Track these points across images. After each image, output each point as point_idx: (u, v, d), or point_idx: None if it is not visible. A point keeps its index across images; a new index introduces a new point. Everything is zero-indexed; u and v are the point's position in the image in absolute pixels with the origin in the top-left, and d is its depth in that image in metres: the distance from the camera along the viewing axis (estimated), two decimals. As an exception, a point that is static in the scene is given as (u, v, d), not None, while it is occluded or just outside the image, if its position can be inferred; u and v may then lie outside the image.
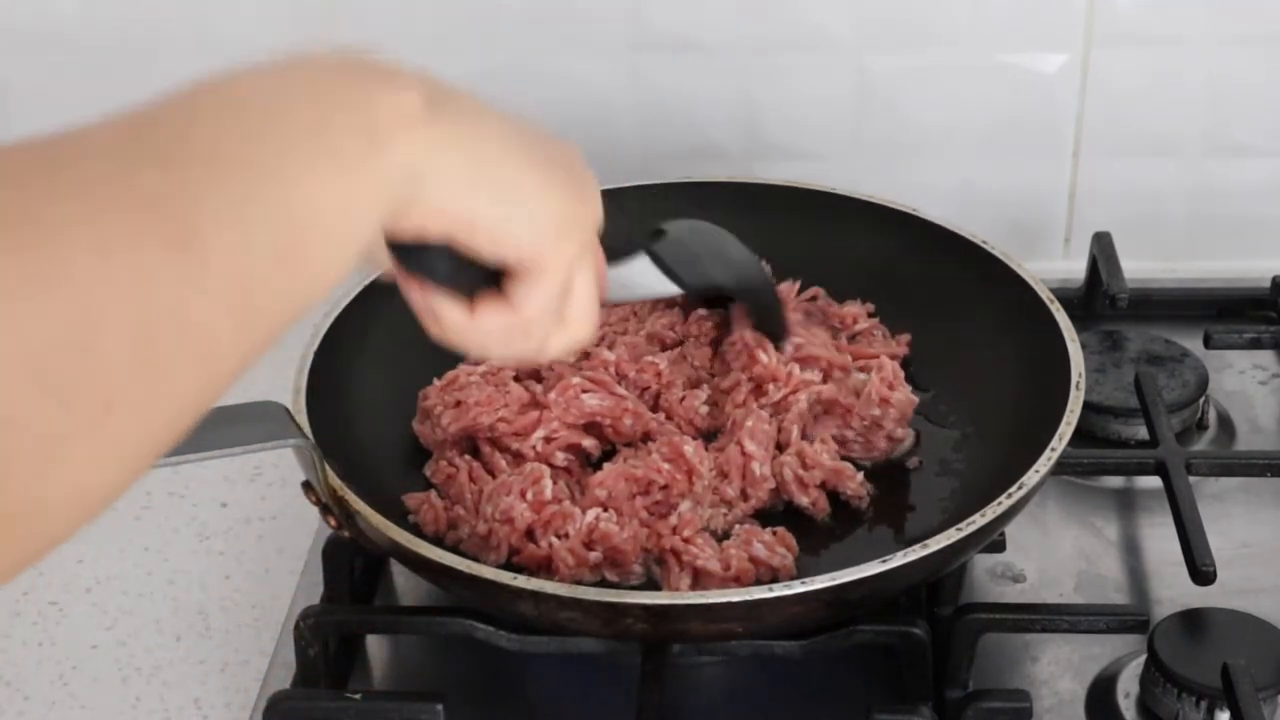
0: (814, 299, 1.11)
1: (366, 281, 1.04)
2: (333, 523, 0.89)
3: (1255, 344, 1.18)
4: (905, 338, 1.08)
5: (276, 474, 1.14)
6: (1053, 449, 0.89)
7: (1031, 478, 0.87)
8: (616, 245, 0.89)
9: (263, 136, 0.55)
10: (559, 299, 0.70)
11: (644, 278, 0.96)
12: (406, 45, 1.26)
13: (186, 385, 0.51)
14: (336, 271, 0.57)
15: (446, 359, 1.07)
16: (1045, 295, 1.02)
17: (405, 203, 0.61)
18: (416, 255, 0.67)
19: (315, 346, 0.99)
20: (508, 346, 0.72)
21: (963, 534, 0.84)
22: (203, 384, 0.52)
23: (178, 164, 0.52)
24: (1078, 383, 0.94)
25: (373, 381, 1.04)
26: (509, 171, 0.65)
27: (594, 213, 0.71)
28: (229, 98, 0.56)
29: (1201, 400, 1.12)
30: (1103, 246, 1.23)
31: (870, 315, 1.11)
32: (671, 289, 0.97)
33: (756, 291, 1.04)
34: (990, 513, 0.85)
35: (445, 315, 0.71)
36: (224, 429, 0.83)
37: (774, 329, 1.03)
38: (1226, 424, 1.14)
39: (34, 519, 0.53)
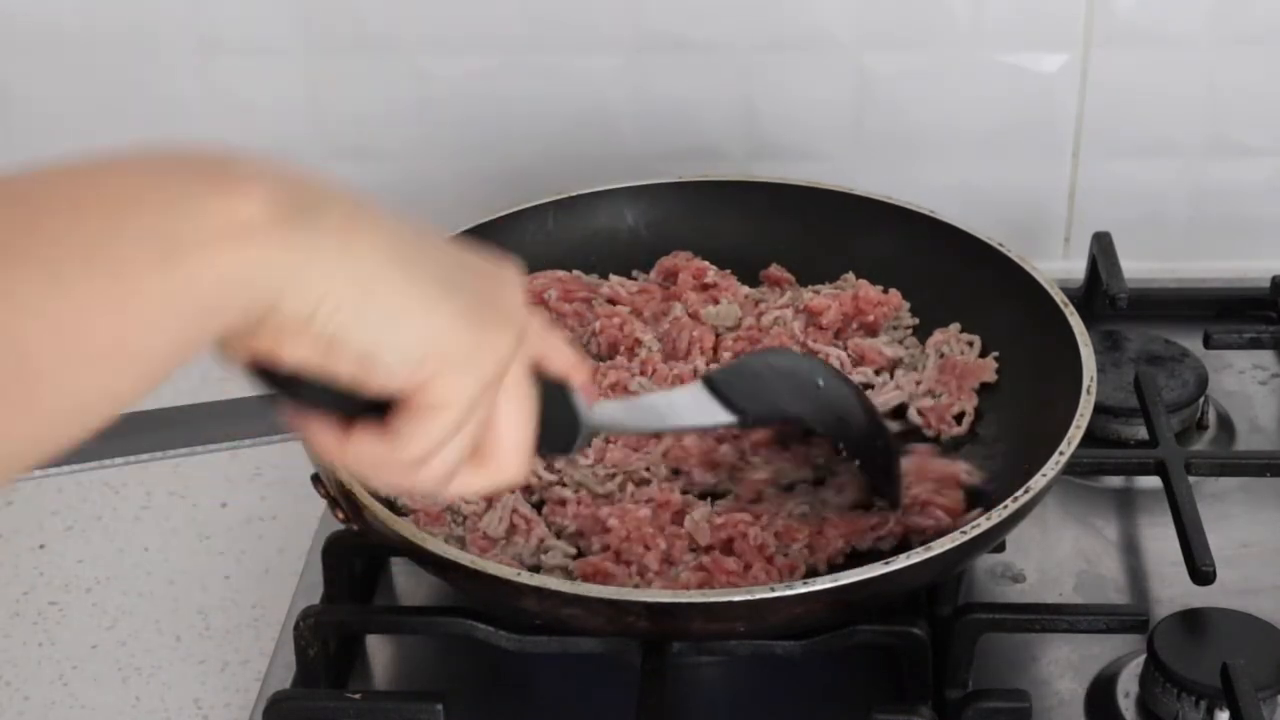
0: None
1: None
2: (340, 516, 0.89)
3: (1255, 344, 1.18)
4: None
5: (276, 474, 1.14)
6: (1061, 453, 0.89)
7: (1038, 482, 0.87)
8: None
9: (33, 241, 0.49)
10: (457, 439, 0.61)
11: (691, 408, 0.83)
12: (407, 45, 1.28)
13: None
14: (115, 394, 0.52)
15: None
16: (1060, 299, 1.01)
17: (248, 318, 0.54)
18: (279, 376, 0.59)
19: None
20: (393, 479, 0.63)
21: (968, 537, 0.84)
22: None
23: None
24: (1089, 387, 0.94)
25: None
26: (384, 290, 0.57)
27: (506, 346, 0.61)
28: (22, 191, 0.51)
29: (1201, 400, 1.12)
30: (1103, 246, 1.23)
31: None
32: (724, 418, 0.84)
33: (848, 428, 0.90)
34: (996, 516, 0.85)
35: (314, 437, 0.62)
36: (234, 421, 0.83)
37: (881, 483, 0.92)
38: (1226, 424, 1.14)
39: None
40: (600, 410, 0.73)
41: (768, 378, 0.88)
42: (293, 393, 0.60)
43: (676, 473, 0.97)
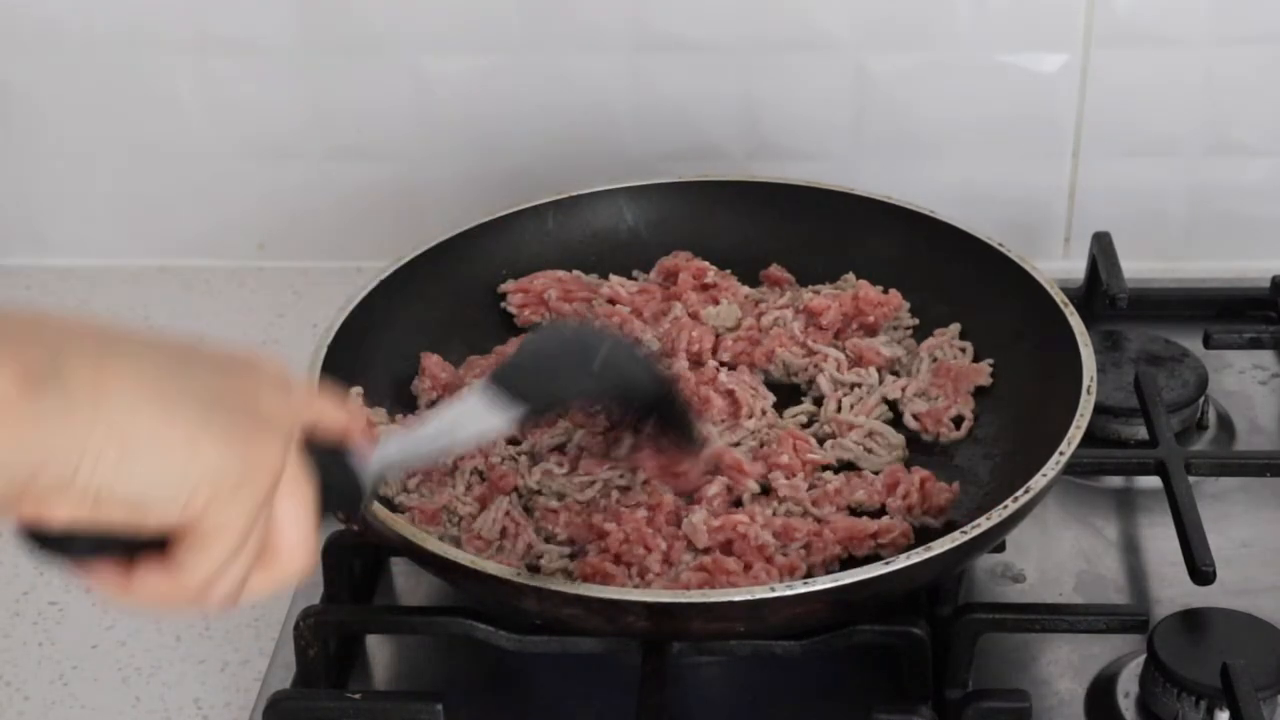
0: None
1: (379, 279, 1.05)
2: (340, 516, 0.89)
3: (1255, 344, 1.18)
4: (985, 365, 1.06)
5: (276, 474, 1.14)
6: (1061, 453, 0.89)
7: (1038, 482, 0.87)
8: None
9: None
10: (239, 556, 0.61)
11: (475, 416, 0.78)
12: (407, 44, 1.28)
13: None
14: None
15: (456, 358, 1.07)
16: (1060, 299, 1.01)
17: (7, 490, 0.55)
18: (48, 534, 0.59)
19: (329, 341, 0.99)
20: (185, 607, 0.63)
21: (968, 537, 0.84)
22: None
23: None
24: (1089, 387, 0.94)
25: (385, 378, 1.05)
26: (143, 437, 0.57)
27: (275, 451, 0.61)
28: None
29: (1201, 400, 1.12)
30: (1102, 246, 1.23)
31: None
32: (504, 421, 0.78)
33: (643, 400, 0.87)
34: (996, 516, 0.85)
35: (101, 586, 0.62)
36: None
37: (682, 435, 0.90)
38: (1226, 424, 1.14)
39: None
40: (381, 456, 0.72)
41: (547, 363, 0.84)
42: (65, 548, 0.60)
43: (649, 481, 0.97)
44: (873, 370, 1.06)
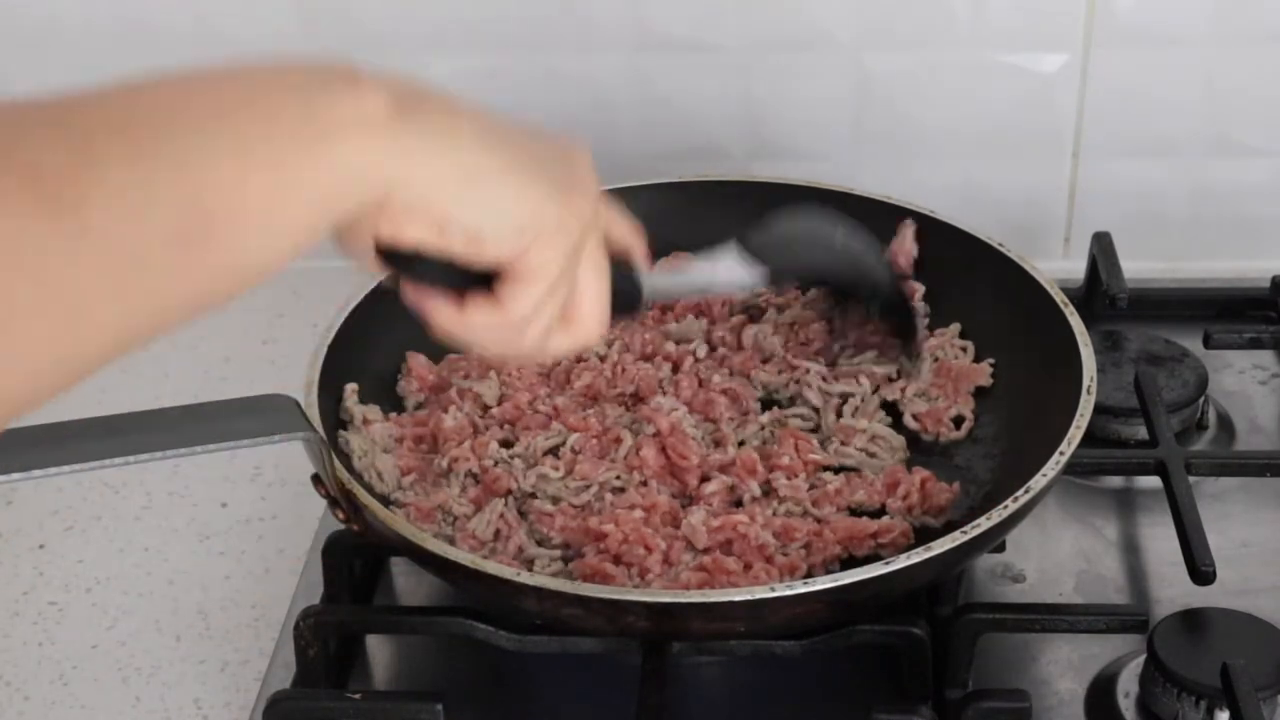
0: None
1: (382, 278, 1.04)
2: (340, 516, 0.89)
3: (1255, 344, 1.18)
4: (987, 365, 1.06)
5: (276, 474, 1.14)
6: (1061, 453, 0.89)
7: (1038, 482, 0.87)
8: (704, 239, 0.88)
9: (193, 120, 0.55)
10: (552, 299, 0.70)
11: (727, 270, 0.88)
12: (407, 44, 1.28)
13: (42, 347, 0.52)
14: (261, 261, 0.58)
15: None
16: (1060, 299, 1.01)
17: (369, 204, 0.62)
18: (402, 256, 0.67)
19: (329, 341, 0.99)
20: (502, 344, 0.73)
21: (968, 537, 0.84)
22: (65, 350, 0.53)
23: (79, 131, 0.53)
24: (1089, 387, 0.94)
25: (384, 377, 1.05)
26: (484, 174, 0.65)
27: (587, 211, 0.70)
28: (172, 83, 0.57)
29: (1201, 400, 1.12)
30: (1102, 246, 1.23)
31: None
32: (754, 276, 0.88)
33: (873, 286, 0.96)
34: (996, 516, 0.85)
35: (436, 314, 0.72)
36: (234, 421, 0.83)
37: (904, 337, 0.99)
38: (1226, 424, 1.14)
39: None
40: (654, 278, 0.81)
41: (792, 237, 0.93)
42: (414, 273, 0.69)
43: (645, 483, 0.97)
44: (864, 380, 1.05)
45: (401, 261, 0.68)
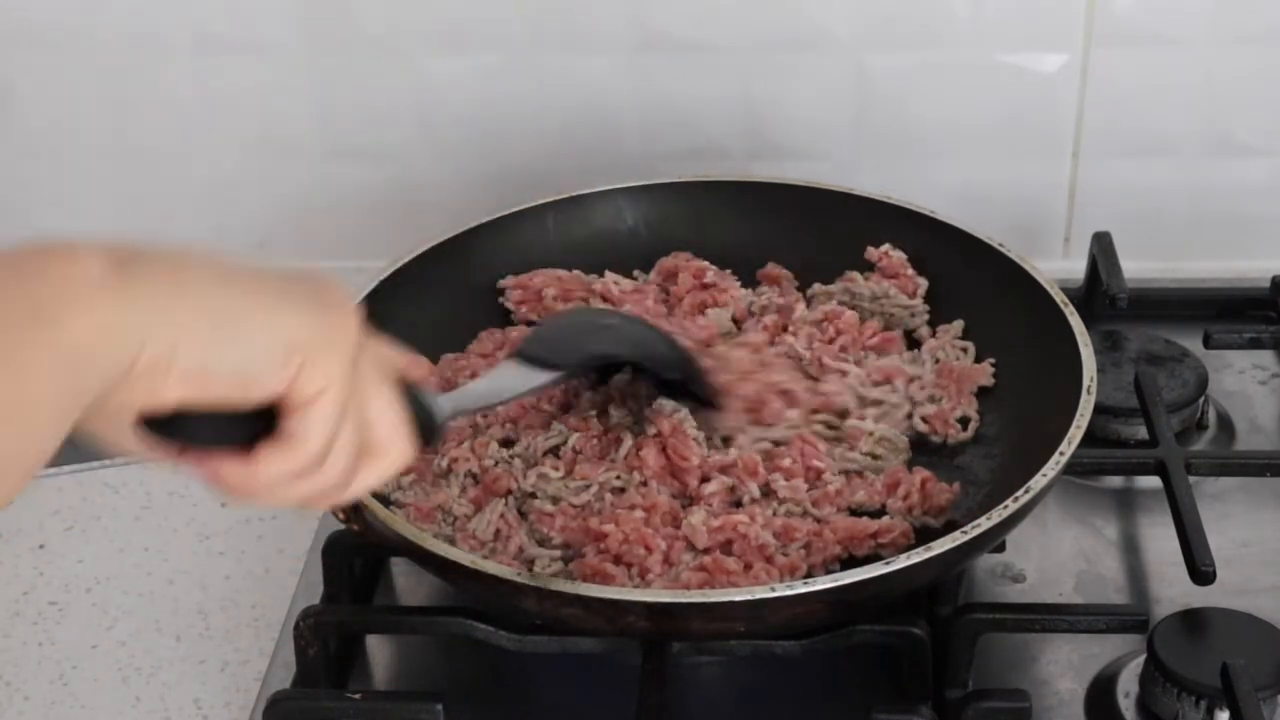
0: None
1: (382, 278, 1.05)
2: (340, 516, 0.89)
3: (1255, 344, 1.18)
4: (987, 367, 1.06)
5: (276, 474, 1.14)
6: (1061, 453, 0.89)
7: (1039, 482, 0.87)
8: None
9: None
10: (346, 424, 0.65)
11: (513, 379, 0.89)
12: (407, 44, 1.28)
13: None
14: (15, 458, 0.55)
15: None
16: (1060, 299, 1.01)
17: (117, 373, 0.58)
18: (169, 422, 0.62)
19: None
20: (307, 490, 0.66)
21: (968, 537, 0.84)
22: None
23: None
24: (1089, 387, 0.94)
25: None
26: (230, 309, 0.61)
27: (351, 326, 0.66)
28: None
29: (1201, 400, 1.12)
30: (1102, 246, 1.23)
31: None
32: (546, 377, 0.90)
33: (663, 357, 0.98)
34: (996, 516, 0.85)
35: (226, 475, 0.65)
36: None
37: (700, 392, 0.99)
38: (1226, 424, 1.14)
39: None
40: (444, 398, 0.79)
41: (569, 333, 0.96)
42: (187, 437, 0.63)
43: (645, 483, 0.97)
44: (899, 384, 1.04)
45: (170, 429, 0.62)
